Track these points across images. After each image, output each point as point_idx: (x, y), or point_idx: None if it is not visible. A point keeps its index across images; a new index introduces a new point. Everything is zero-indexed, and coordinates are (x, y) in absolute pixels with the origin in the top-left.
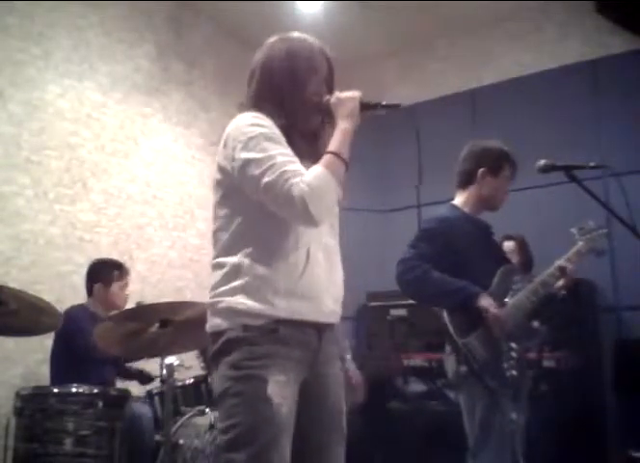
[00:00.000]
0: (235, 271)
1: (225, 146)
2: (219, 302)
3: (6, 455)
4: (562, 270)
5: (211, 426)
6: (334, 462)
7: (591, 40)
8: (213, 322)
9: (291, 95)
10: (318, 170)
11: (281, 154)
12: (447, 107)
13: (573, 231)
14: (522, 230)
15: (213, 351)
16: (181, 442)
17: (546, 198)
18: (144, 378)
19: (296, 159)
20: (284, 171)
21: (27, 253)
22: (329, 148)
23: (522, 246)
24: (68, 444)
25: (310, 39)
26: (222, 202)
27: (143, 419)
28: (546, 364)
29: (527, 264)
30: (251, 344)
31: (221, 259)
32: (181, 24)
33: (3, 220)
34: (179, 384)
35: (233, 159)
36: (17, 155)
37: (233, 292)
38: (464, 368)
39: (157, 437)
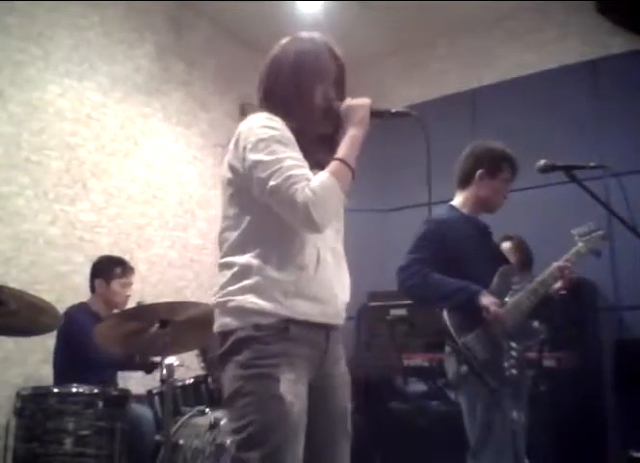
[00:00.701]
0: (245, 271)
1: (236, 145)
2: (228, 301)
3: (6, 455)
4: (561, 271)
5: (211, 426)
6: (340, 461)
7: (591, 40)
8: (222, 321)
9: (298, 101)
10: (324, 176)
11: (290, 158)
12: (447, 107)
13: (573, 232)
14: (522, 230)
15: (222, 351)
16: (181, 442)
17: (546, 198)
18: (148, 366)
19: (305, 164)
20: (290, 175)
21: (27, 253)
22: (337, 154)
23: (520, 246)
24: (68, 444)
25: (321, 40)
26: (231, 201)
27: (143, 419)
28: (547, 364)
29: (525, 264)
30: (261, 343)
31: (229, 259)
32: (181, 24)
33: (3, 220)
34: (179, 384)
35: (244, 159)
36: (17, 155)
37: (243, 292)
38: (464, 369)
39: (157, 437)
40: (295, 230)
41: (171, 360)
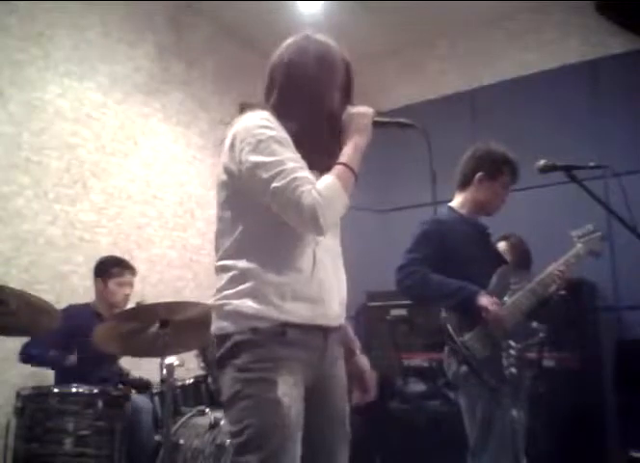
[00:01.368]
0: (242, 275)
1: (231, 146)
2: (225, 305)
3: (6, 455)
4: (560, 272)
5: (211, 426)
6: (339, 462)
7: (591, 40)
8: (219, 325)
9: (306, 104)
10: (330, 179)
11: (291, 160)
12: (447, 107)
13: (572, 233)
14: (522, 230)
15: (220, 354)
16: (181, 442)
17: (546, 198)
18: (141, 386)
19: (305, 165)
20: (295, 177)
21: (27, 253)
22: (340, 159)
23: (515, 246)
24: (68, 444)
25: (333, 45)
26: (226, 203)
27: (142, 412)
28: (547, 364)
29: (522, 264)
30: (259, 347)
31: (226, 262)
32: (181, 24)
33: (3, 220)
34: (179, 384)
35: (241, 162)
36: (17, 155)
37: (240, 296)
38: (463, 369)
39: (157, 437)
40: (291, 232)
41: (171, 360)
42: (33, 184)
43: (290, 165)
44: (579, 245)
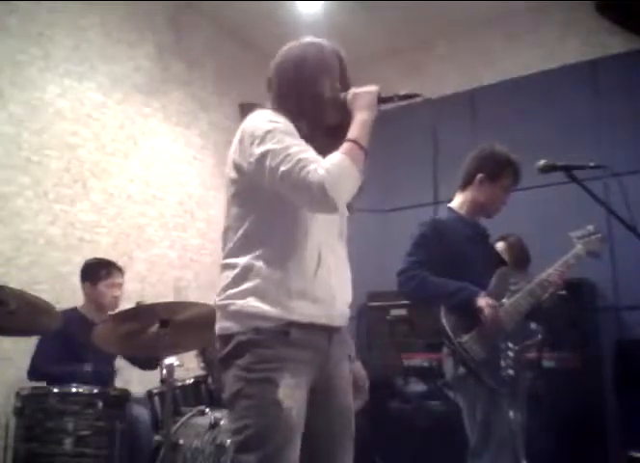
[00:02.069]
0: (246, 273)
1: (240, 142)
2: (229, 305)
3: (6, 455)
4: (560, 273)
5: (211, 426)
6: (343, 462)
7: (591, 40)
8: (223, 325)
9: (306, 94)
10: (336, 156)
11: (296, 145)
12: (447, 107)
13: (571, 234)
14: (522, 230)
15: (224, 354)
16: (181, 442)
17: (546, 198)
18: (147, 362)
19: (311, 149)
20: (300, 158)
21: (27, 253)
22: (347, 136)
23: (513, 246)
24: (68, 444)
25: (324, 42)
26: (234, 200)
27: (140, 420)
28: (546, 364)
29: (520, 264)
30: (262, 347)
31: (231, 260)
32: (181, 24)
33: (3, 220)
34: (179, 384)
35: (250, 155)
36: (17, 155)
37: (244, 295)
38: (462, 370)
39: (157, 437)
40: (297, 230)
41: (170, 360)
42: (33, 184)
43: (295, 149)
44: (579, 246)
